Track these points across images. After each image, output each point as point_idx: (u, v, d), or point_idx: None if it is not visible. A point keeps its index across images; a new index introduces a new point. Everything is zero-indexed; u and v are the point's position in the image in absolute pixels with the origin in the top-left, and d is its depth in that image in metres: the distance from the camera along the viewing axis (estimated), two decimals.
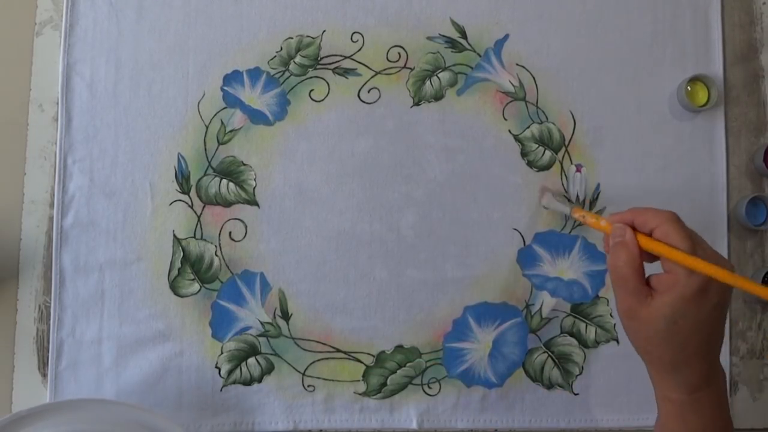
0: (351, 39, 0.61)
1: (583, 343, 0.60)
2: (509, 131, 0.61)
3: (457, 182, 0.61)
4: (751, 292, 0.42)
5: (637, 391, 0.60)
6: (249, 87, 0.60)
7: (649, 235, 0.45)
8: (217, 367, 0.58)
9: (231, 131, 0.59)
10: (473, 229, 0.60)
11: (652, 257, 0.45)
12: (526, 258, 0.60)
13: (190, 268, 0.58)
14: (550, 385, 0.60)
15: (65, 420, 0.50)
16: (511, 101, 0.61)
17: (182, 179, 0.59)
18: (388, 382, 0.59)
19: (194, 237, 0.59)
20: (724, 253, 0.62)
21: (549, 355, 0.60)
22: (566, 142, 0.61)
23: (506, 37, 0.62)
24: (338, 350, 0.59)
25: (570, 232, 0.61)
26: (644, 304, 0.44)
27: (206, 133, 0.59)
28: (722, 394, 0.47)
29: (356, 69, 0.61)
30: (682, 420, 0.46)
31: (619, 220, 0.47)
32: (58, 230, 0.58)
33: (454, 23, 0.61)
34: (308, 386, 0.58)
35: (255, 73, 0.60)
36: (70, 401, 0.51)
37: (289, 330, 0.58)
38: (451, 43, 0.61)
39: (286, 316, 0.58)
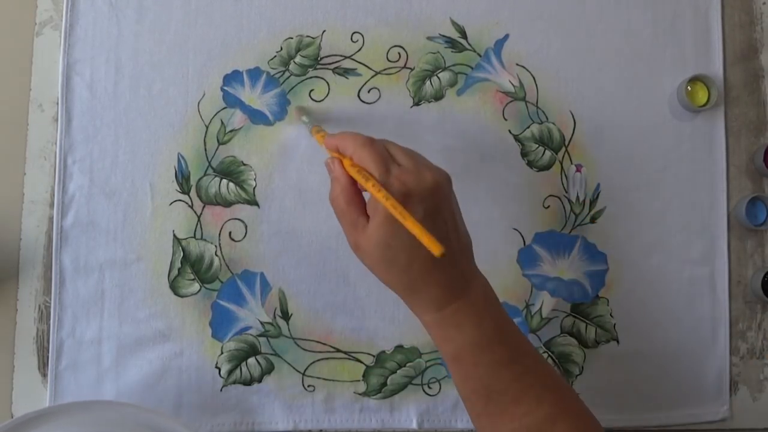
0: (351, 39, 0.61)
1: (583, 343, 0.60)
2: (509, 131, 0.61)
3: (457, 182, 0.60)
4: (413, 232, 0.40)
5: (637, 391, 0.60)
6: (249, 87, 0.60)
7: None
8: (217, 367, 0.58)
9: (231, 131, 0.59)
10: (473, 229, 0.60)
11: None
12: (526, 258, 0.60)
13: (190, 268, 0.58)
14: None
15: (73, 422, 0.49)
16: (511, 101, 0.61)
17: (182, 179, 0.59)
18: (388, 382, 0.59)
19: (194, 237, 0.59)
20: (724, 253, 0.61)
21: (549, 355, 0.60)
22: (566, 142, 0.61)
23: (506, 37, 0.62)
24: (338, 350, 0.59)
25: (570, 232, 0.61)
26: (362, 234, 0.44)
27: (206, 133, 0.59)
28: (481, 300, 0.45)
29: (356, 69, 0.61)
30: (446, 338, 0.45)
31: (328, 146, 0.47)
32: (58, 230, 0.58)
33: (454, 23, 0.61)
34: (308, 386, 0.58)
35: (255, 73, 0.60)
36: (78, 403, 0.51)
37: (289, 330, 0.58)
38: (451, 43, 0.61)
39: (286, 316, 0.59)
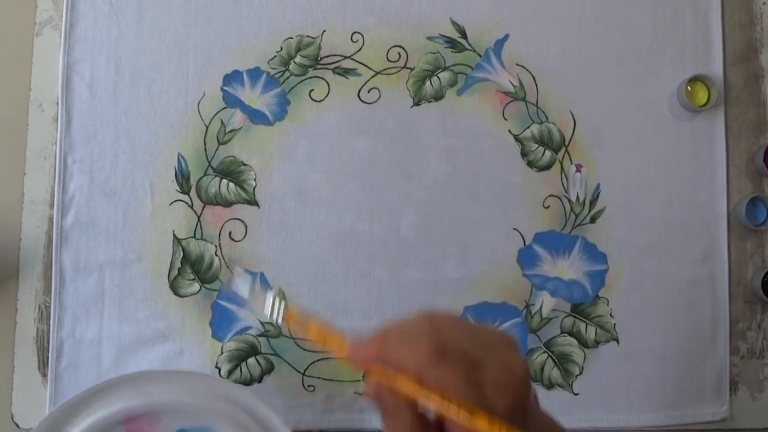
0: (351, 39, 0.61)
1: (583, 343, 0.60)
2: (509, 131, 0.61)
3: (457, 182, 0.60)
4: None
5: (637, 391, 0.60)
6: (249, 87, 0.60)
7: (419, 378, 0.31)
8: (217, 367, 0.58)
9: (231, 131, 0.59)
10: (473, 229, 0.60)
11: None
12: (526, 258, 0.60)
13: (190, 268, 0.58)
14: (550, 385, 0.60)
15: (158, 389, 0.50)
16: (511, 101, 0.61)
17: (182, 179, 0.59)
18: None
19: (194, 237, 0.59)
20: (724, 253, 0.61)
21: (549, 355, 0.60)
22: (566, 142, 0.61)
23: (506, 37, 0.62)
24: None
25: (570, 232, 0.61)
26: None
27: (206, 133, 0.59)
28: None
29: (356, 69, 0.60)
30: None
31: (363, 358, 0.33)
32: (58, 230, 0.58)
33: (454, 23, 0.61)
34: (308, 386, 0.58)
35: (255, 73, 0.60)
36: (162, 372, 0.52)
37: (289, 330, 0.58)
38: (451, 43, 0.61)
39: None
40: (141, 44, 0.59)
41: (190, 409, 0.50)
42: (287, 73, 0.60)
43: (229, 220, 0.59)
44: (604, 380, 0.60)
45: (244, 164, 0.59)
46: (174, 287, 0.58)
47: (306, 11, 0.61)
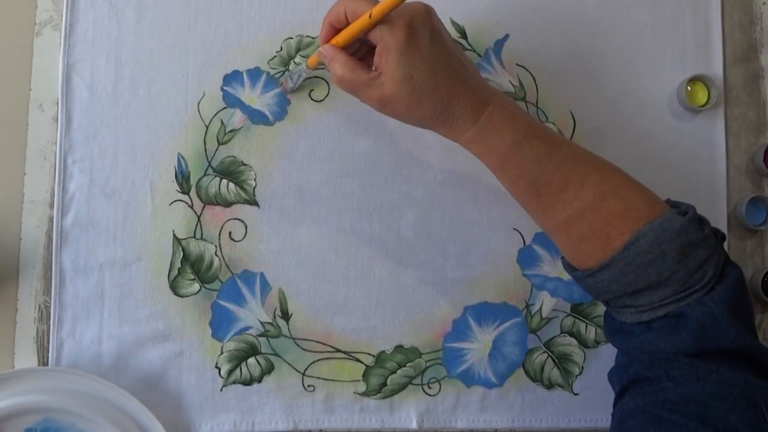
0: None
1: (583, 343, 0.60)
2: None
3: (457, 182, 0.60)
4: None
5: None
6: (249, 87, 0.60)
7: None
8: (217, 367, 0.58)
9: (231, 131, 0.59)
10: (473, 229, 0.60)
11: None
12: (526, 258, 0.60)
13: (190, 268, 0.58)
14: (550, 385, 0.60)
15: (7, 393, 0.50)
16: None
17: (182, 179, 0.59)
18: (388, 382, 0.59)
19: (194, 237, 0.59)
20: None
21: (549, 355, 0.60)
22: None
23: (506, 37, 0.62)
24: (338, 350, 0.59)
25: None
26: (383, 84, 0.46)
27: (206, 133, 0.59)
28: (507, 102, 0.48)
29: None
30: (488, 149, 0.48)
31: (323, 38, 0.49)
32: (58, 230, 0.58)
33: (454, 23, 0.61)
34: (308, 386, 0.58)
35: (255, 73, 0.60)
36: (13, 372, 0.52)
37: (289, 330, 0.59)
38: None
39: (286, 316, 0.59)
40: (141, 44, 0.59)
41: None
42: (287, 73, 0.60)
43: (229, 220, 0.59)
44: (604, 380, 0.60)
45: (244, 164, 0.59)
46: (174, 287, 0.58)
47: (306, 11, 0.61)
